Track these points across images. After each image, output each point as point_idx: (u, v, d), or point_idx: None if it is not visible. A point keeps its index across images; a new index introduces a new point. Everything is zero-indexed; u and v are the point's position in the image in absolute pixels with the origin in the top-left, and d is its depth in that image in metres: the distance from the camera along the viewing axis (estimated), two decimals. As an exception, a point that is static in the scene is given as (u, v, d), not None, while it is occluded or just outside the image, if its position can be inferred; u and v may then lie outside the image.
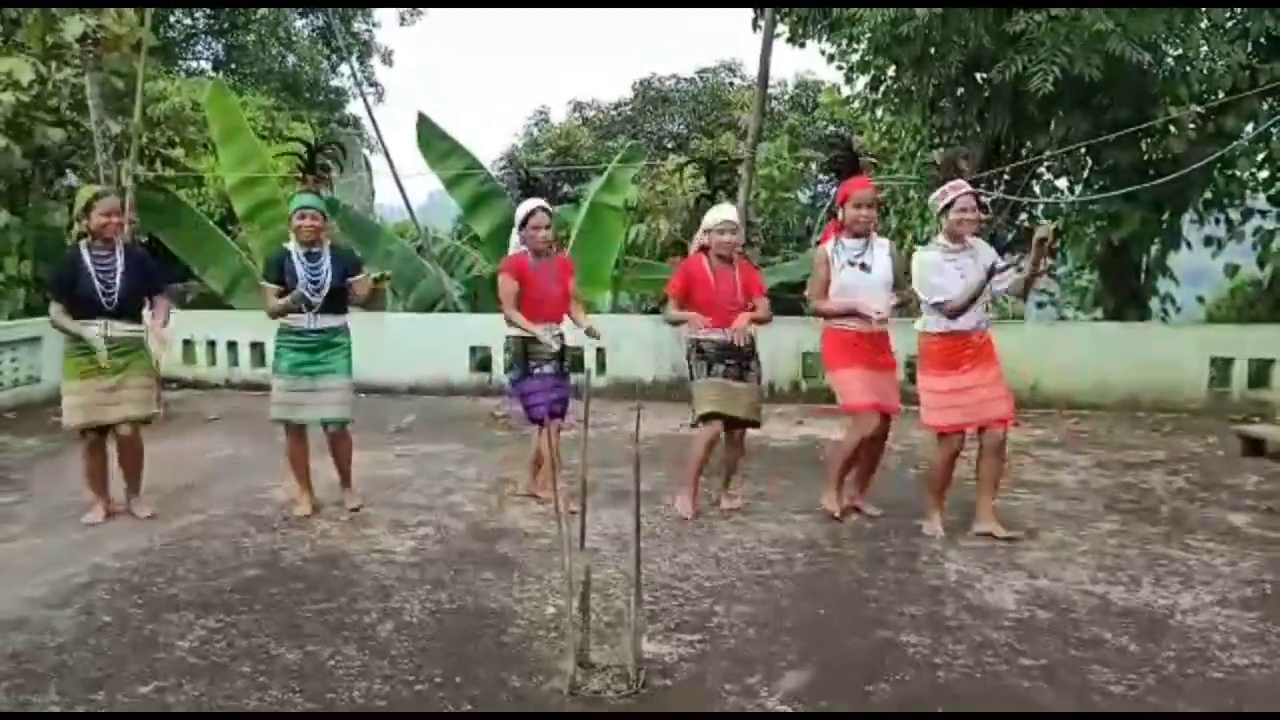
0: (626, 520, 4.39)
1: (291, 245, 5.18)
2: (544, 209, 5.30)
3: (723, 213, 5.31)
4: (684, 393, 8.67)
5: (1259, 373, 8.17)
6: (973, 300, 4.66)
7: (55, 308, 5.12)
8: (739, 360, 5.20)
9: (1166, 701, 3.24)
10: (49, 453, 7.01)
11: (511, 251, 5.40)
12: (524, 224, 5.29)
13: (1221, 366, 8.24)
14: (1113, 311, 10.22)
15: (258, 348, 9.76)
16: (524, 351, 5.30)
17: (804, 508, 5.36)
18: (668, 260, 14.32)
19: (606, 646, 3.56)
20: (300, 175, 5.32)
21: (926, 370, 4.86)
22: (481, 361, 9.56)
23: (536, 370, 5.27)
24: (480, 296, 12.73)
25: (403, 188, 11.79)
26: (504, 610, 4.00)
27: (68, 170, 5.84)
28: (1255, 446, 6.64)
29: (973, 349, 4.76)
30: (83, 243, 5.16)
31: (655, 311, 12.07)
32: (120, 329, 5.15)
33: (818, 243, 6.07)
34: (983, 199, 4.78)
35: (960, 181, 4.82)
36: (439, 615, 3.96)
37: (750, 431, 5.42)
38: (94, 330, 5.04)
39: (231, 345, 9.82)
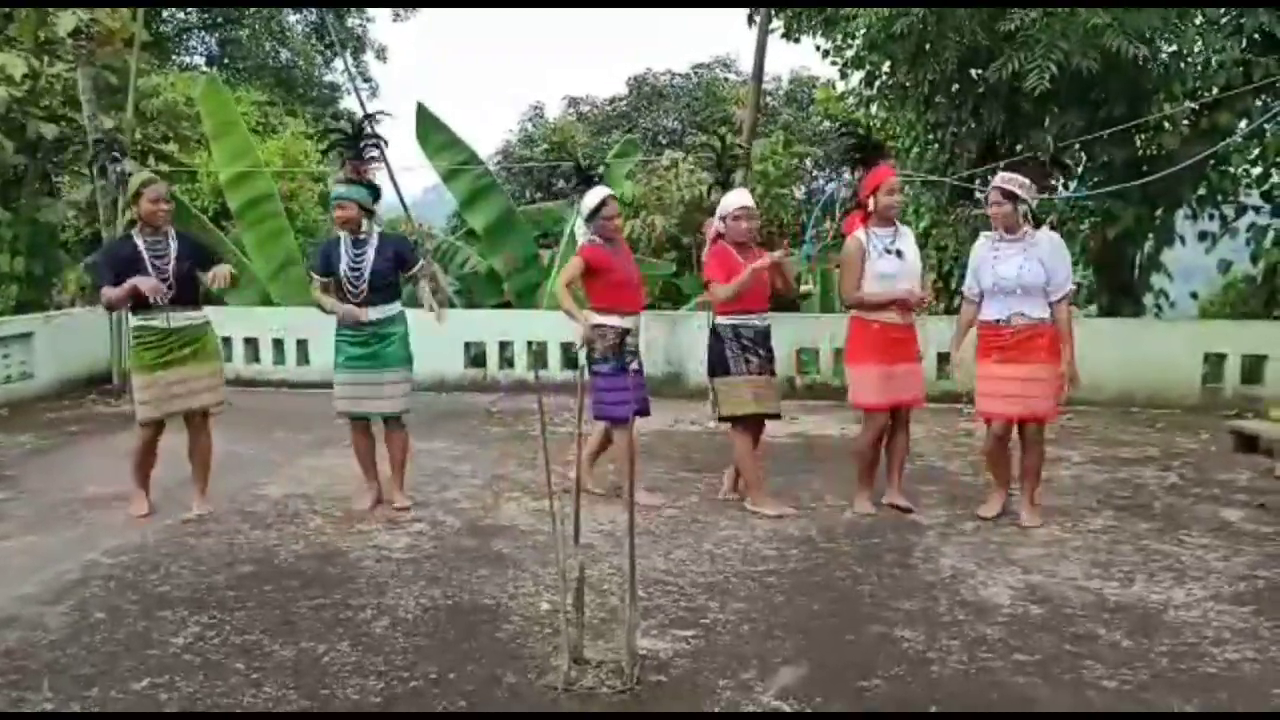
0: (621, 516, 4.38)
1: (342, 233, 5.16)
2: (615, 197, 5.31)
3: (740, 198, 5.20)
4: (678, 389, 8.80)
5: (1252, 369, 8.18)
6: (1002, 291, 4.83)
7: (111, 292, 4.85)
8: (768, 350, 5.19)
9: (1160, 696, 3.25)
10: (42, 449, 6.99)
11: (581, 242, 5.32)
12: (596, 213, 5.20)
13: (1215, 362, 8.26)
14: (1106, 307, 10.23)
15: (252, 344, 9.74)
16: (621, 343, 5.19)
17: (798, 503, 5.37)
18: (663, 257, 14.28)
19: (601, 643, 3.56)
20: (342, 162, 5.22)
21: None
22: (476, 358, 9.55)
23: (632, 366, 5.10)
24: (475, 292, 12.72)
25: (397, 183, 11.76)
26: (499, 606, 4.00)
27: (118, 156, 5.78)
28: (1248, 442, 6.65)
29: (1002, 340, 4.89)
30: (134, 230, 5.08)
31: (649, 307, 12.05)
32: (181, 317, 5.12)
33: (840, 235, 6.05)
34: (1010, 190, 4.81)
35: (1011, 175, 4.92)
36: (434, 612, 3.96)
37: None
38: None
39: (226, 341, 9.76)
